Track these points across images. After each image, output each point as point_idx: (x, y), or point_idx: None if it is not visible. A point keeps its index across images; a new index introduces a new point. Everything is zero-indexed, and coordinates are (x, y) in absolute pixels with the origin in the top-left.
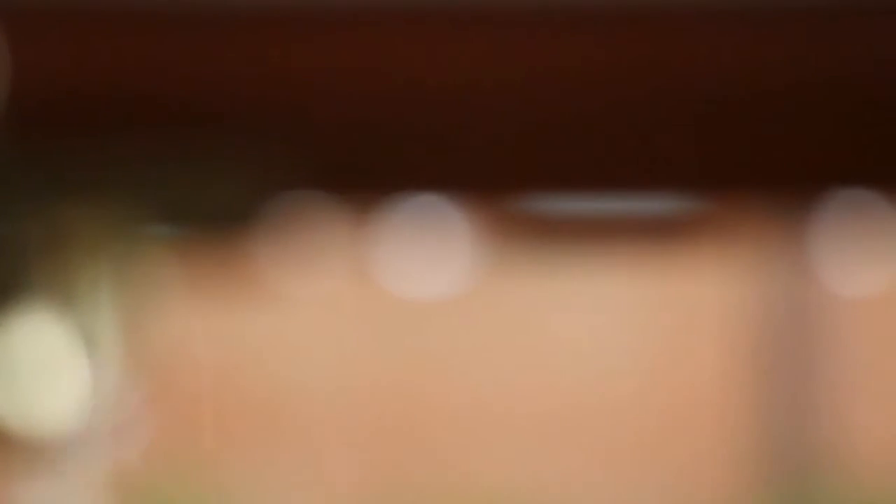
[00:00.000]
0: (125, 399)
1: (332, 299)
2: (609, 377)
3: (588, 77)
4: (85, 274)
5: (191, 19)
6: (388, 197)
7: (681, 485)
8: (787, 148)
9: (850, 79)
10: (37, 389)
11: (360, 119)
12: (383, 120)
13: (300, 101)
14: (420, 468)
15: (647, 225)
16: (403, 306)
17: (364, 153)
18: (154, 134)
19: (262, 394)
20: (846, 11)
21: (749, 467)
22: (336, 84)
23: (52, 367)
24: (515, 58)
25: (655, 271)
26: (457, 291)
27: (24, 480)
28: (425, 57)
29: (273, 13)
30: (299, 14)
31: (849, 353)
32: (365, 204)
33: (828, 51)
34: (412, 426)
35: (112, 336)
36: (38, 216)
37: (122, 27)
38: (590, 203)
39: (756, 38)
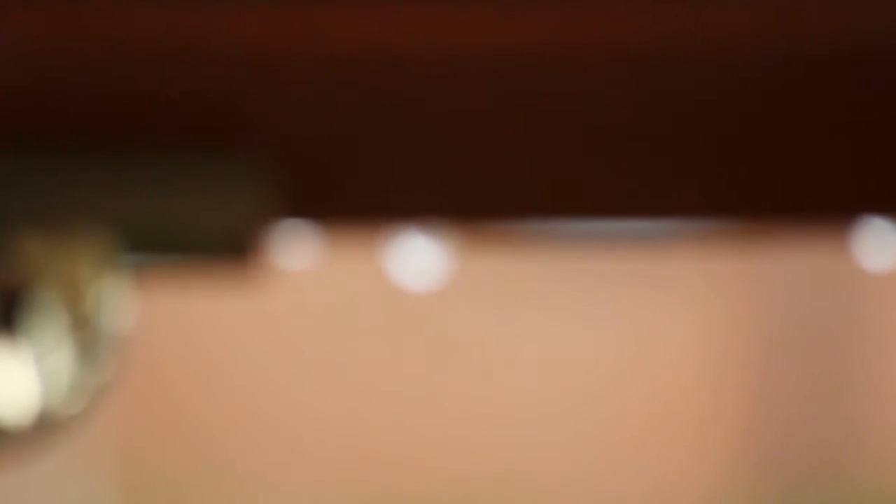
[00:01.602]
0: (94, 406)
1: (323, 312)
2: (607, 379)
3: (586, 76)
4: (58, 298)
5: (178, 26)
6: (375, 222)
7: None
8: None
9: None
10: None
11: (344, 144)
12: (369, 145)
13: (286, 129)
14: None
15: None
16: (392, 317)
17: (347, 178)
18: (133, 155)
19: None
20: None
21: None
22: (324, 103)
23: (22, 376)
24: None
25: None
26: (445, 299)
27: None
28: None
29: (267, 25)
30: (295, 21)
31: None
32: (351, 230)
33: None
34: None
35: (86, 355)
36: (7, 240)
37: (109, 32)
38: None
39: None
